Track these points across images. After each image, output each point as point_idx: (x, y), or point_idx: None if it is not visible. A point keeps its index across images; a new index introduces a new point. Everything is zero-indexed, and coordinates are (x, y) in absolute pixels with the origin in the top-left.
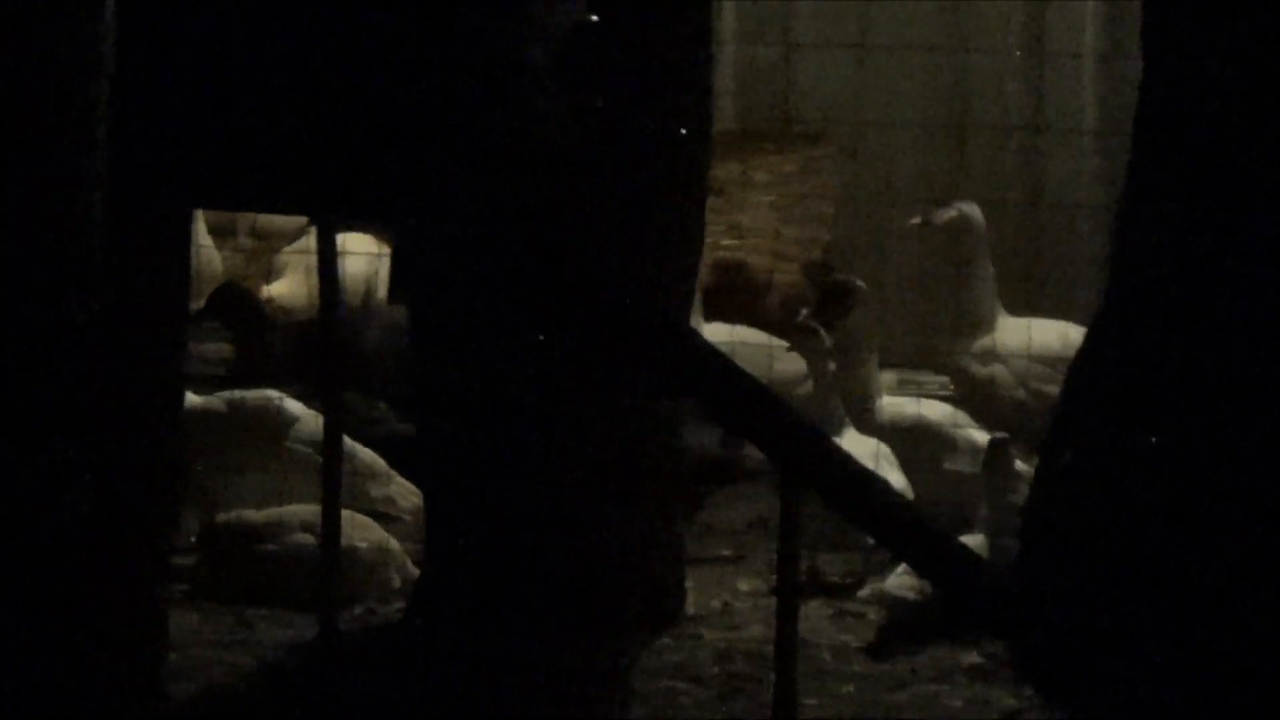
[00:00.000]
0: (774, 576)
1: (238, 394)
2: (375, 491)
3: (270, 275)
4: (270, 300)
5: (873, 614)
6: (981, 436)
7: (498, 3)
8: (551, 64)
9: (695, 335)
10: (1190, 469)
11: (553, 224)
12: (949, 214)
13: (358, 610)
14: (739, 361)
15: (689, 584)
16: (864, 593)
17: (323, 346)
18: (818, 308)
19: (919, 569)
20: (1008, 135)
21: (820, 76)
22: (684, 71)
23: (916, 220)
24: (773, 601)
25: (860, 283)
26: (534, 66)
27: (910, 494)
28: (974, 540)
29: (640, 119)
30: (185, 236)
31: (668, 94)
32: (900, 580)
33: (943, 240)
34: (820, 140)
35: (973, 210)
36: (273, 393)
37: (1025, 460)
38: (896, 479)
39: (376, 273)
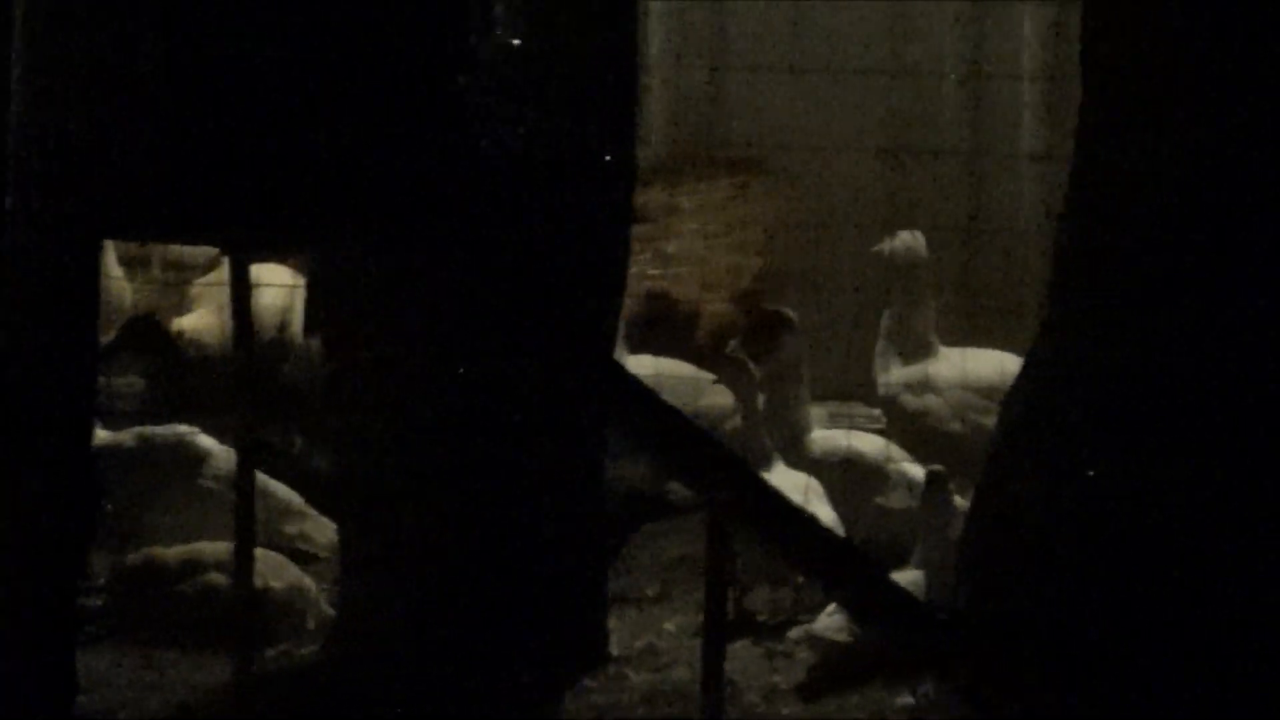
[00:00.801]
0: (701, 616)
1: (149, 429)
2: (290, 529)
3: (183, 308)
4: (182, 334)
5: (803, 654)
6: (915, 470)
7: (427, 28)
8: (479, 89)
9: (620, 367)
10: (1131, 498)
11: (478, 252)
12: (894, 244)
13: (271, 652)
14: (665, 395)
15: (613, 624)
16: (794, 633)
17: (237, 380)
18: (746, 338)
19: (850, 608)
20: (946, 160)
21: (752, 101)
22: (608, 96)
23: (878, 248)
24: (699, 641)
25: (790, 312)
26: (463, 92)
27: (841, 530)
28: (910, 577)
29: (564, 145)
30: (95, 268)
31: (591, 119)
32: (831, 620)
33: (886, 270)
34: (751, 166)
35: (917, 240)
36: (185, 428)
37: (960, 494)
38: (826, 514)
39: (292, 305)
